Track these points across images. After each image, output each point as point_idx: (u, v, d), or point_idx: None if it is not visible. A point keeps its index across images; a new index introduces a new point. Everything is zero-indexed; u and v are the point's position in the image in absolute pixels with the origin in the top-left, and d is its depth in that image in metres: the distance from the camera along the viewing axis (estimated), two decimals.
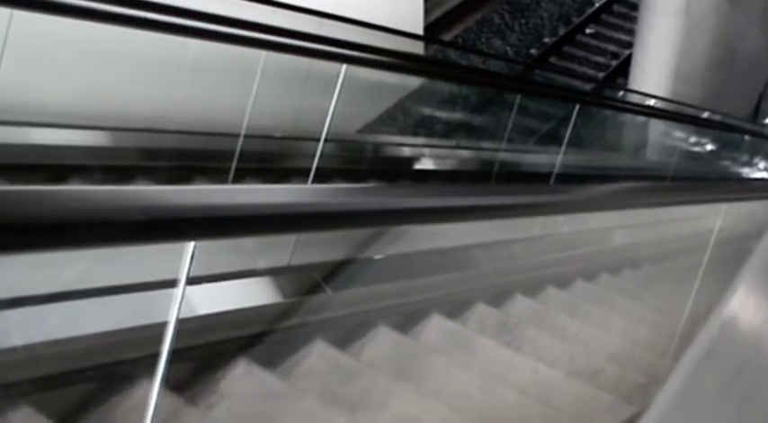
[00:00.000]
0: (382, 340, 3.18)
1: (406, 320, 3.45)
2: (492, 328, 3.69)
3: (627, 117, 9.08)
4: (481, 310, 3.80)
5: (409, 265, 3.94)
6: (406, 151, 7.32)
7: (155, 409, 1.85)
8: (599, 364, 3.49)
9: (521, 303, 4.11)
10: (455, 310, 3.72)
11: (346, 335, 3.17)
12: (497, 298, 4.03)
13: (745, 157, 11.31)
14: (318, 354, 2.91)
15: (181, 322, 1.66)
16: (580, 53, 12.77)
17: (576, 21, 13.18)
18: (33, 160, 4.21)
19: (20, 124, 4.30)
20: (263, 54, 4.33)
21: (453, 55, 10.53)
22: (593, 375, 3.38)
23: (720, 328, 2.01)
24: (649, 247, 5.82)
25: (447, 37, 11.63)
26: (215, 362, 2.64)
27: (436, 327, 3.47)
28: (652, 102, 8.93)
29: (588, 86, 10.79)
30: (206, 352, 2.67)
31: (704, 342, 1.96)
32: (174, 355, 1.68)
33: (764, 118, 12.23)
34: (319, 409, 2.56)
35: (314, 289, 3.32)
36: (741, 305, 2.14)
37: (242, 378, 2.61)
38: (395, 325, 3.32)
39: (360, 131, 7.42)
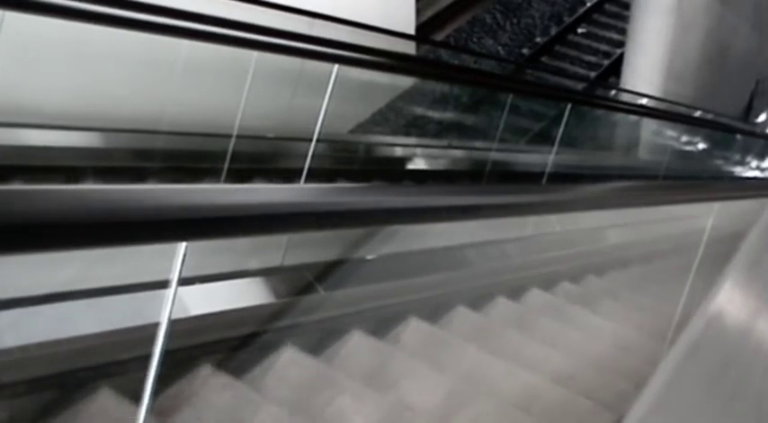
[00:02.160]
0: (502, 307, 4.17)
1: (514, 292, 4.44)
2: (575, 298, 4.66)
3: (619, 116, 9.09)
4: (565, 287, 4.83)
5: (504, 252, 5.06)
6: (398, 151, 7.32)
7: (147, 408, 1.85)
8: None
9: (594, 281, 5.15)
10: (546, 284, 4.72)
11: (478, 301, 4.11)
12: (576, 278, 5.10)
13: (737, 156, 11.33)
14: (461, 315, 3.85)
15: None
16: (572, 52, 12.79)
17: (567, 20, 13.19)
18: (24, 161, 4.19)
19: (11, 125, 4.28)
20: (254, 55, 4.32)
21: (445, 55, 10.53)
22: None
23: (707, 323, 2.01)
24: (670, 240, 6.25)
25: (439, 37, 11.63)
26: None
27: (537, 295, 4.56)
28: (644, 101, 8.94)
29: (580, 86, 10.81)
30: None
31: (691, 337, 1.96)
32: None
33: (756, 116, 12.25)
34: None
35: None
36: (727, 300, 2.15)
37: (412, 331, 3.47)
38: (507, 294, 4.31)
39: (352, 131, 7.41)
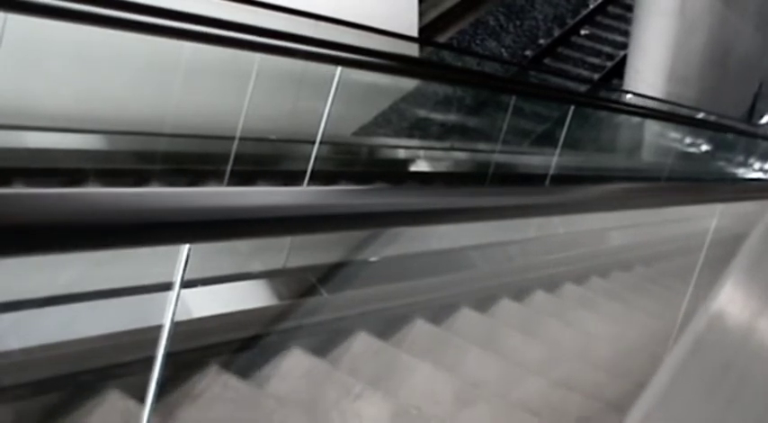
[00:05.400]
0: (539, 299, 4.63)
1: (550, 286, 4.91)
2: (602, 292, 5.14)
3: (622, 118, 9.08)
4: (595, 281, 5.32)
5: (550, 247, 5.47)
6: (402, 153, 7.32)
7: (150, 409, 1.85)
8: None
9: (619, 276, 5.64)
10: (579, 279, 5.21)
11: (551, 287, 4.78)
12: (604, 272, 5.54)
13: (741, 158, 11.32)
14: (506, 307, 4.29)
15: None
16: (575, 54, 12.78)
17: (570, 22, 13.19)
18: (26, 164, 4.20)
19: (14, 128, 4.29)
20: (257, 57, 4.32)
21: (448, 57, 10.53)
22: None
23: (708, 323, 2.01)
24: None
25: (442, 39, 11.63)
26: None
27: (568, 289, 5.01)
28: (647, 102, 8.93)
29: (583, 88, 10.80)
30: None
31: (692, 337, 1.96)
32: None
33: (759, 118, 12.23)
34: None
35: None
36: (729, 301, 2.15)
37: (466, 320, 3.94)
38: (544, 287, 4.80)
39: (355, 134, 7.41)
